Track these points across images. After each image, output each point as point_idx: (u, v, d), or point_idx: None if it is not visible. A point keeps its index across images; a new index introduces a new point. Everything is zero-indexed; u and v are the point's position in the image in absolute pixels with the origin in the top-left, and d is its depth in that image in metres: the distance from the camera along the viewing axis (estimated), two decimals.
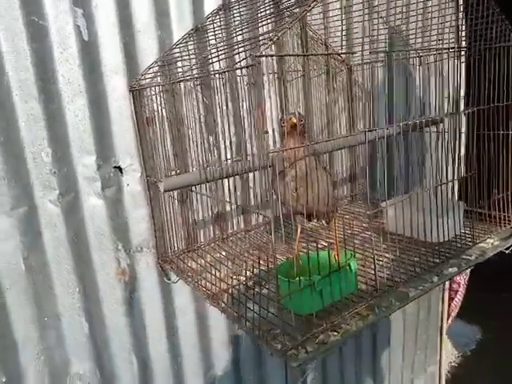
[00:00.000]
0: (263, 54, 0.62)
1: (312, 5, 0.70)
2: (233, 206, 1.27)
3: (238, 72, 1.14)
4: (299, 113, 0.88)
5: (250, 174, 1.27)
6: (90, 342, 1.11)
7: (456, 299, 2.37)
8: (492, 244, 1.19)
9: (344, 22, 1.42)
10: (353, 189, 1.66)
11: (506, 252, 1.22)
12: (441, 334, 2.35)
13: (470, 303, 2.49)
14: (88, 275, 1.09)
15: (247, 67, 0.69)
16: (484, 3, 1.07)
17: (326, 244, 1.08)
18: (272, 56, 0.59)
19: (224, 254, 1.17)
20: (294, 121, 0.85)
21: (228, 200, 0.89)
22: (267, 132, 0.66)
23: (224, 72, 0.79)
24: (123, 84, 1.10)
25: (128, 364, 1.18)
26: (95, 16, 1.05)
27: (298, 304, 0.80)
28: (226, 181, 1.17)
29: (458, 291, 2.36)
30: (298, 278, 0.79)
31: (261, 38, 0.66)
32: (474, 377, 2.62)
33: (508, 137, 1.20)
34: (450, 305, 2.36)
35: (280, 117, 0.90)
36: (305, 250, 1.00)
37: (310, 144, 0.84)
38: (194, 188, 1.05)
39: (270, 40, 0.63)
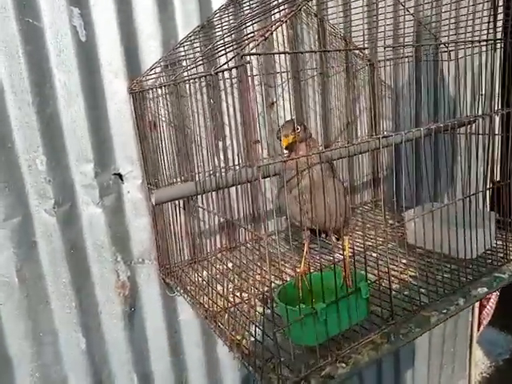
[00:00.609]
0: (251, 52, 0.54)
1: None
2: (241, 215, 1.20)
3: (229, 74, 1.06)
4: (293, 121, 0.80)
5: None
6: (88, 358, 1.06)
7: (488, 306, 2.21)
8: None
9: (366, 14, 1.32)
10: (375, 194, 1.56)
11: None
12: (470, 347, 2.20)
13: (504, 309, 2.32)
14: (86, 288, 1.05)
15: (232, 69, 0.61)
16: None
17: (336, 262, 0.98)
18: (260, 54, 0.51)
19: (230, 265, 1.10)
20: (290, 140, 0.78)
21: (215, 211, 0.81)
22: (258, 141, 0.57)
23: (205, 76, 0.71)
24: (124, 86, 1.04)
25: (128, 381, 1.13)
26: (93, 15, 0.99)
27: (298, 334, 0.72)
28: (233, 189, 1.09)
29: (490, 298, 2.20)
30: (298, 306, 0.70)
31: (252, 35, 0.58)
32: None
33: None
34: (481, 312, 2.21)
35: (276, 131, 0.82)
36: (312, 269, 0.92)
37: (311, 154, 0.75)
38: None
39: (262, 36, 0.55)
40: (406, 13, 1.28)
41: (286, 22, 0.57)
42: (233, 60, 0.64)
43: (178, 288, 1.05)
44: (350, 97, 1.43)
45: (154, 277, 1.14)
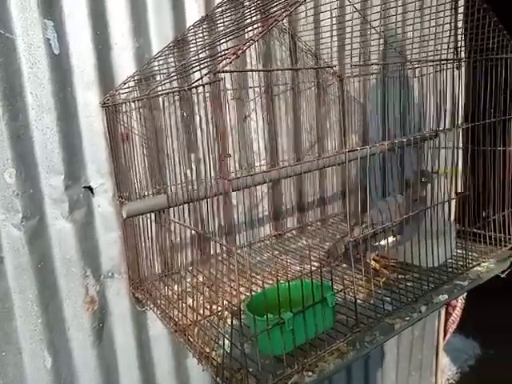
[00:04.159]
0: (223, 70, 0.56)
1: (284, 14, 0.63)
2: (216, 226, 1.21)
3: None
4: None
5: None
6: (55, 377, 1.03)
7: (454, 314, 2.29)
8: (487, 267, 1.12)
9: (336, 32, 1.37)
10: (344, 206, 1.60)
11: (501, 276, 1.15)
12: (436, 354, 2.27)
13: (469, 317, 2.41)
14: (53, 304, 1.02)
15: (205, 84, 0.63)
16: (481, 12, 1.01)
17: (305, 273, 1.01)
18: (232, 72, 0.54)
19: (202, 278, 1.11)
20: None
21: (186, 224, 0.82)
22: (229, 155, 0.59)
23: (179, 91, 0.73)
24: (96, 100, 1.04)
25: None
26: (67, 28, 0.99)
27: (266, 344, 0.73)
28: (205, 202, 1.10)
29: (456, 306, 2.28)
30: (265, 316, 0.72)
31: (225, 52, 0.60)
32: None
33: (505, 153, 1.14)
34: (447, 320, 2.28)
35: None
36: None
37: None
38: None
39: (234, 54, 0.57)
40: (374, 31, 1.34)
41: (257, 41, 0.60)
42: (206, 76, 0.66)
43: (148, 302, 1.05)
44: (321, 112, 1.48)
45: (124, 291, 1.13)
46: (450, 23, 1.12)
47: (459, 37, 1.23)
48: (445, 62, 1.04)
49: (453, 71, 1.04)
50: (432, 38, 1.18)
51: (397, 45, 1.45)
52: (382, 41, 1.41)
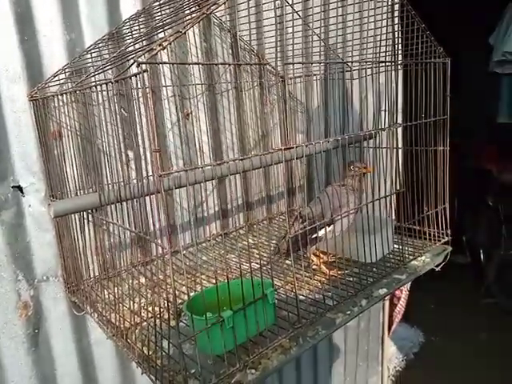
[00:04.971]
0: (146, 61, 0.54)
1: (213, 7, 0.62)
2: (156, 226, 1.17)
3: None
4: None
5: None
6: None
7: (399, 305, 2.39)
8: (424, 261, 1.18)
9: (277, 32, 1.39)
10: (290, 204, 1.62)
11: (436, 269, 1.21)
12: (382, 344, 2.36)
13: (413, 307, 2.53)
14: None
15: (131, 76, 0.61)
16: (410, 18, 1.06)
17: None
18: (158, 64, 0.52)
19: (143, 280, 1.07)
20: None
21: (120, 224, 0.79)
22: (158, 150, 0.58)
23: (106, 83, 0.70)
24: (23, 94, 0.98)
25: None
26: None
27: (206, 344, 0.72)
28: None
29: (400, 297, 2.38)
30: (204, 315, 0.71)
31: (153, 43, 0.58)
32: (418, 379, 2.68)
33: (436, 153, 1.20)
34: (393, 311, 2.38)
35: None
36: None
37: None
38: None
39: (160, 45, 0.56)
40: (314, 33, 1.37)
41: (185, 33, 0.58)
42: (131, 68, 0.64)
43: (85, 306, 1.00)
44: (264, 110, 1.49)
45: (61, 295, 1.07)
46: (387, 26, 1.16)
47: (396, 40, 1.28)
48: (377, 64, 1.08)
49: (390, 74, 1.08)
50: (369, 40, 1.22)
51: (336, 47, 1.49)
52: (322, 42, 1.44)
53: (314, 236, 1.03)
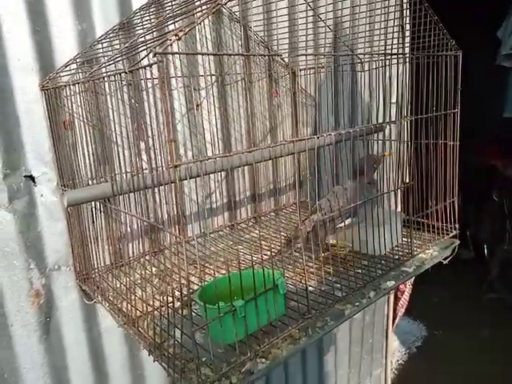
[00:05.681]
0: (164, 51, 0.54)
1: None
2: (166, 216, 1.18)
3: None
4: None
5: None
6: None
7: (403, 299, 2.40)
8: (431, 254, 1.18)
9: (287, 24, 1.38)
10: (298, 196, 1.62)
11: (444, 262, 1.22)
12: (386, 337, 2.38)
13: (416, 301, 2.53)
14: None
15: (146, 67, 0.61)
16: (422, 11, 1.05)
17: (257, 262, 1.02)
18: (173, 54, 0.52)
19: (153, 270, 1.08)
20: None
21: (134, 214, 0.80)
22: (174, 141, 0.58)
23: (120, 73, 0.71)
24: (35, 84, 0.98)
25: None
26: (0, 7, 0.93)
27: (218, 333, 0.73)
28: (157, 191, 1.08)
29: (404, 291, 2.39)
30: (217, 304, 0.71)
31: (168, 33, 0.58)
32: (420, 373, 2.69)
33: (446, 146, 1.19)
34: (396, 304, 2.39)
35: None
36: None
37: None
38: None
39: (175, 36, 0.56)
40: (323, 24, 1.36)
41: (201, 23, 0.58)
42: (148, 59, 0.64)
43: (96, 295, 1.01)
44: (273, 102, 1.48)
45: (72, 284, 1.08)
46: (395, 19, 1.16)
47: (405, 33, 1.27)
48: (389, 56, 1.08)
49: (397, 66, 1.07)
50: (381, 32, 1.22)
51: (346, 39, 1.48)
52: (331, 34, 1.44)
53: (336, 226, 1.03)
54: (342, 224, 1.04)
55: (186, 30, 0.57)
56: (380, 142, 1.19)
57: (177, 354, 0.76)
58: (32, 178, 1.00)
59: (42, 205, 1.02)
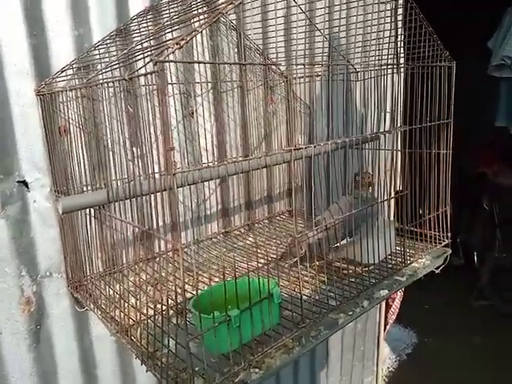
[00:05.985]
0: (164, 59, 0.55)
1: (229, 7, 0.63)
2: (160, 223, 1.17)
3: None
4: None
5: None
6: None
7: (394, 306, 2.41)
8: (424, 264, 1.18)
9: (283, 33, 1.39)
10: (290, 204, 1.62)
11: (436, 271, 1.22)
12: (378, 345, 2.38)
13: (407, 308, 2.54)
14: None
15: (146, 75, 0.61)
16: (418, 22, 1.06)
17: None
18: (173, 62, 0.53)
19: (146, 277, 1.07)
20: None
21: (128, 221, 0.79)
22: (172, 148, 0.58)
23: (119, 80, 0.71)
24: (31, 89, 0.97)
25: None
26: None
27: (212, 342, 0.72)
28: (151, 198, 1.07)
29: (395, 298, 2.40)
30: (211, 314, 0.71)
31: (169, 42, 0.58)
32: (411, 380, 2.69)
33: (439, 156, 1.21)
34: (387, 312, 2.39)
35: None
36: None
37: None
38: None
39: (177, 44, 0.56)
40: (319, 34, 1.37)
41: (201, 32, 0.59)
42: (147, 66, 0.64)
43: (88, 303, 1.00)
44: (268, 110, 1.49)
45: (64, 291, 1.07)
46: (390, 30, 1.17)
47: (399, 43, 1.29)
48: (385, 67, 1.09)
49: (392, 77, 1.08)
50: (373, 43, 1.23)
51: (341, 48, 1.49)
52: (326, 44, 1.45)
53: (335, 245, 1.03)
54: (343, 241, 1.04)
55: (188, 39, 0.57)
56: (374, 151, 1.19)
57: (170, 363, 0.75)
58: (25, 183, 0.99)
59: (35, 211, 1.01)
